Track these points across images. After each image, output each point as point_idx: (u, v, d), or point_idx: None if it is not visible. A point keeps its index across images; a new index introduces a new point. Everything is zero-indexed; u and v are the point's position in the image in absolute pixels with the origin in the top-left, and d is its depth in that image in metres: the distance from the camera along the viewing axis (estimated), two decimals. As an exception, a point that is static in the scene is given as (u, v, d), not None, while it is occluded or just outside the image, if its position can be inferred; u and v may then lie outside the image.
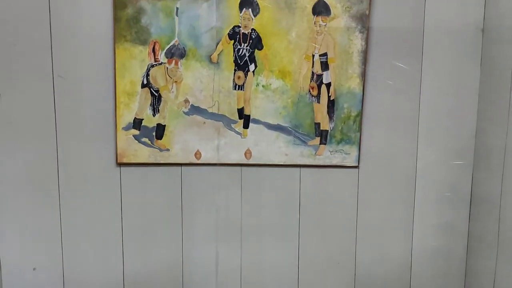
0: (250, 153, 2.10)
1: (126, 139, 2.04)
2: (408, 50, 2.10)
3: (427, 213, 2.22)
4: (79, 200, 2.09)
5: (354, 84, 2.07)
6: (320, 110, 2.09)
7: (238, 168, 2.11)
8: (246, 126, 2.08)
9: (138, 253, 2.14)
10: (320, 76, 2.07)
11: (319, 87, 2.08)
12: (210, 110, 2.06)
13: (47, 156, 2.04)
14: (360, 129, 2.11)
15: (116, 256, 2.13)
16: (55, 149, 2.04)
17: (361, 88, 2.08)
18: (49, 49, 1.99)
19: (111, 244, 2.12)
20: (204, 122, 2.06)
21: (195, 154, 2.08)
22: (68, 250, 2.11)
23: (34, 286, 2.11)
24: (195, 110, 2.05)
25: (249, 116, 2.07)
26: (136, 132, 2.04)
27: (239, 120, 2.07)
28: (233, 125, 2.07)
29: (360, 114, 2.10)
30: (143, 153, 2.06)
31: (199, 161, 2.09)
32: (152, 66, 2.01)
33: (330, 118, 2.09)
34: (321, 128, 2.10)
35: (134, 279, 2.15)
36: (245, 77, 2.05)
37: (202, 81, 2.04)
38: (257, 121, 2.08)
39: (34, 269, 2.11)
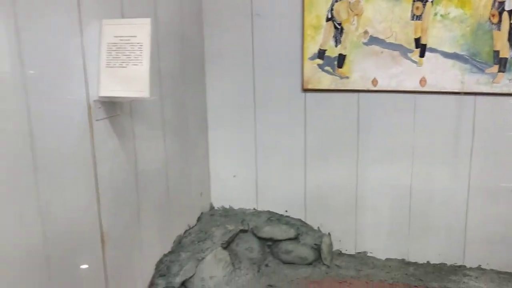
0: (425, 80, 2.23)
1: (311, 68, 2.34)
2: None
3: None
4: (270, 121, 2.47)
5: (540, 9, 2.04)
6: (500, 38, 2.11)
7: (412, 95, 2.26)
8: (422, 55, 2.20)
9: (318, 169, 2.46)
10: (502, 3, 2.08)
11: (500, 14, 2.09)
12: (387, 40, 2.23)
13: (246, 83, 2.45)
14: (544, 57, 2.08)
15: (299, 170, 2.48)
16: (252, 77, 2.44)
17: (548, 14, 2.04)
18: (249, -8, 2.36)
19: (295, 159, 2.47)
20: (382, 52, 2.25)
21: (372, 81, 2.29)
22: (260, 162, 2.53)
23: (233, 189, 2.60)
24: (374, 40, 2.25)
25: (425, 45, 2.19)
26: (320, 61, 2.32)
27: (415, 49, 2.21)
28: (409, 54, 2.22)
29: (545, 41, 2.06)
30: (326, 80, 2.34)
31: (375, 88, 2.29)
32: (336, 1, 2.24)
33: (511, 45, 2.10)
34: (500, 56, 2.12)
35: (313, 192, 2.48)
36: (423, 7, 2.16)
37: (381, 13, 2.21)
38: (433, 50, 2.19)
39: (234, 176, 2.59)
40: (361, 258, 2.48)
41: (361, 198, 2.43)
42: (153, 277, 1.99)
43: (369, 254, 2.49)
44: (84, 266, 1.54)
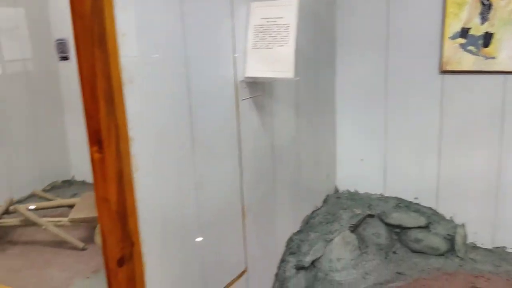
0: None
1: (452, 48, 2.19)
2: None
3: None
4: (402, 104, 2.38)
5: None
6: None
7: None
8: None
9: (454, 156, 2.31)
10: None
11: None
12: (545, 16, 2.01)
13: (377, 65, 2.38)
14: None
15: (432, 156, 2.36)
16: (384, 58, 2.36)
17: None
18: (385, -31, 2.27)
19: (428, 145, 2.35)
20: (538, 28, 2.03)
21: (523, 62, 2.08)
22: (390, 146, 2.45)
23: (360, 173, 2.56)
24: (528, 16, 2.03)
25: None
26: (463, 40, 2.17)
27: None
28: None
29: None
30: (468, 61, 2.17)
31: (527, 69, 2.08)
32: (485, -26, 2.07)
33: None
34: None
35: (447, 180, 2.34)
36: None
37: (539, -15, 1.99)
38: None
39: (361, 160, 2.55)
40: (499, 253, 2.29)
41: (504, 188, 2.24)
42: (284, 254, 2.05)
43: (508, 250, 2.30)
44: (228, 237, 1.63)
